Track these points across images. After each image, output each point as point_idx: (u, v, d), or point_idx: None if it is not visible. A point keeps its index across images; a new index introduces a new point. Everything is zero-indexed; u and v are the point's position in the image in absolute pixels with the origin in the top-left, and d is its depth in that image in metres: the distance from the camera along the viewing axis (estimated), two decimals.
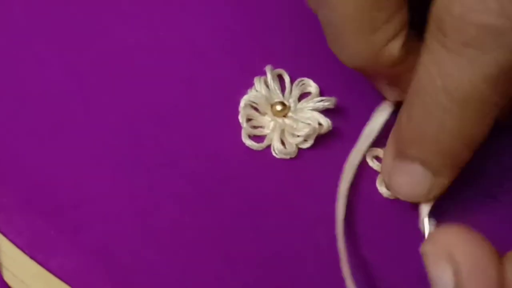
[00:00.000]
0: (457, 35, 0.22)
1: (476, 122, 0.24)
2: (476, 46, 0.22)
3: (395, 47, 0.25)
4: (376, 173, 0.30)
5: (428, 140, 0.25)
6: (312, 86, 0.30)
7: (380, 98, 0.30)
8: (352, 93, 0.31)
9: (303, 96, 0.31)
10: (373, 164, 0.30)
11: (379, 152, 0.30)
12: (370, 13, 0.24)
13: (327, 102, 0.30)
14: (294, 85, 0.31)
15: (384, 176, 0.28)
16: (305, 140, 0.30)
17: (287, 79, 0.31)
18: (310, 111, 0.30)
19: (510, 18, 0.22)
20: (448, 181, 0.26)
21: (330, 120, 0.30)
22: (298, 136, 0.30)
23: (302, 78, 0.30)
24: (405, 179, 0.26)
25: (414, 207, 0.28)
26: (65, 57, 0.31)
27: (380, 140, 0.30)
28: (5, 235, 0.28)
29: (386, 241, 0.29)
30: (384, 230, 0.29)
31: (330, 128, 0.29)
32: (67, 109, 0.30)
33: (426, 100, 0.24)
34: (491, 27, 0.22)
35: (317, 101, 0.30)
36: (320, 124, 0.29)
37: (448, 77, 0.23)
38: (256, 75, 0.31)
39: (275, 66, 0.31)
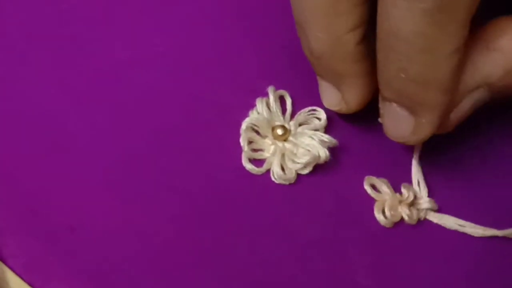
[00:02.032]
0: None
1: (426, 63, 0.25)
2: None
3: (351, 39, 0.26)
4: (371, 200, 0.30)
5: (390, 82, 0.26)
6: (321, 119, 0.30)
7: (380, 130, 0.30)
8: (353, 122, 0.31)
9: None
10: (370, 191, 0.30)
11: (376, 181, 0.30)
12: (332, 1, 0.26)
13: (327, 140, 0.30)
14: (302, 111, 0.30)
15: (380, 120, 0.29)
16: (304, 167, 0.30)
17: (288, 100, 0.31)
18: (310, 138, 0.30)
19: None
20: (429, 122, 0.27)
21: (330, 148, 0.30)
22: (298, 163, 0.30)
23: (315, 108, 0.30)
24: (390, 120, 0.28)
25: (413, 234, 0.29)
26: (62, 76, 0.30)
27: (376, 169, 0.30)
28: (2, 259, 0.27)
29: (381, 267, 0.29)
30: (380, 257, 0.29)
31: (328, 159, 0.30)
32: (63, 130, 0.29)
33: (381, 45, 0.25)
34: None
35: (319, 135, 0.30)
36: (319, 154, 0.29)
37: (390, 19, 0.24)
38: (257, 94, 0.30)
39: (277, 86, 0.31)
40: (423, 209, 0.30)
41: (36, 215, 0.28)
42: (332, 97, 0.29)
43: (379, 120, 0.29)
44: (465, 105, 0.27)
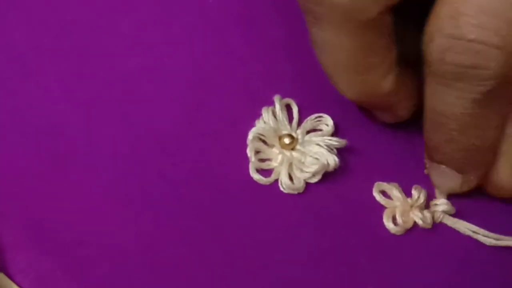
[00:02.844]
0: (439, 71, 0.25)
1: (475, 136, 0.26)
2: (456, 79, 0.25)
3: (387, 83, 0.27)
4: (382, 207, 0.30)
5: (439, 149, 0.28)
6: (328, 125, 0.30)
7: (389, 133, 0.30)
8: (361, 127, 0.30)
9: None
10: (380, 198, 0.30)
11: (386, 186, 0.30)
12: (363, 60, 0.27)
13: (337, 143, 0.29)
14: (309, 119, 0.30)
15: (427, 172, 0.30)
16: (313, 175, 0.29)
17: (295, 109, 0.30)
18: (318, 146, 0.29)
19: (478, 53, 0.24)
20: (477, 177, 0.29)
21: (339, 154, 0.29)
22: (307, 172, 0.29)
23: (321, 115, 0.30)
24: (438, 177, 0.29)
25: (424, 241, 0.29)
26: (68, 87, 0.30)
27: (387, 174, 0.30)
28: (10, 276, 0.27)
29: (392, 276, 0.29)
30: (391, 265, 0.29)
31: (337, 166, 0.29)
32: (70, 143, 0.29)
33: (431, 119, 0.27)
34: (466, 64, 0.24)
35: (327, 139, 0.29)
36: (327, 161, 0.29)
37: (441, 103, 0.26)
38: (263, 103, 0.30)
39: (283, 94, 0.30)
40: (439, 212, 0.29)
41: (43, 230, 0.28)
42: None
43: (425, 171, 0.30)
44: None
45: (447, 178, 0.29)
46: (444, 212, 0.29)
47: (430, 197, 0.30)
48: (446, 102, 0.26)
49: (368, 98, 0.28)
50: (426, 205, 0.30)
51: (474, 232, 0.29)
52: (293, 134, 0.30)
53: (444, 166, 0.28)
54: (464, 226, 0.29)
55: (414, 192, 0.29)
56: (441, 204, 0.29)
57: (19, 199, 0.28)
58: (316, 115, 0.30)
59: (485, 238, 0.29)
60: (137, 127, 0.30)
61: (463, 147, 0.27)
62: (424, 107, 0.27)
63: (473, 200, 0.30)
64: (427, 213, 0.29)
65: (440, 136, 0.27)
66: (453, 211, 0.29)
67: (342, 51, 0.26)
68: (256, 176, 0.29)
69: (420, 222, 0.29)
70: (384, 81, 0.27)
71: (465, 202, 0.30)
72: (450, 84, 0.25)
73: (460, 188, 0.29)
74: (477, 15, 0.24)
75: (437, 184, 0.29)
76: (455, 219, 0.29)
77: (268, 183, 0.30)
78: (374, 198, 0.30)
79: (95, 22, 0.31)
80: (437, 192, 0.30)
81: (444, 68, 0.25)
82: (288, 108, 0.31)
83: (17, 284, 0.27)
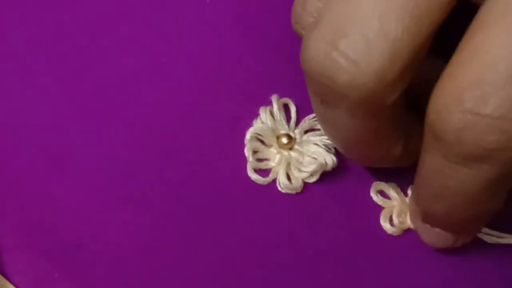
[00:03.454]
0: (454, 150, 0.21)
1: (485, 208, 0.24)
2: (476, 160, 0.21)
3: (397, 150, 0.26)
4: (380, 208, 0.30)
5: (439, 219, 0.26)
6: None
7: None
8: None
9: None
10: (377, 198, 0.30)
11: (384, 186, 0.30)
12: (374, 137, 0.25)
13: None
14: (307, 118, 0.30)
15: (415, 228, 0.29)
16: (311, 175, 0.29)
17: (293, 108, 0.30)
18: (316, 145, 0.29)
19: (505, 133, 0.20)
20: (472, 236, 0.28)
21: (337, 154, 0.29)
22: (305, 171, 0.29)
23: None
24: (432, 237, 0.28)
25: (419, 244, 0.28)
26: (66, 88, 0.30)
27: (384, 174, 0.30)
28: (8, 277, 0.27)
29: (390, 276, 0.29)
30: (388, 267, 0.29)
31: (335, 166, 0.29)
32: (68, 144, 0.29)
33: (431, 189, 0.24)
34: (491, 147, 0.20)
35: (325, 139, 0.29)
36: (325, 161, 0.29)
37: (448, 179, 0.23)
38: (261, 103, 0.30)
39: (281, 94, 0.30)
40: None
41: (41, 231, 0.28)
42: None
43: (411, 225, 0.29)
44: None
45: (439, 238, 0.27)
46: None
47: None
48: (456, 179, 0.22)
49: (379, 164, 0.28)
50: None
51: None
52: (291, 134, 0.30)
53: (438, 230, 0.27)
54: None
55: (410, 192, 0.29)
56: None
57: (17, 200, 0.28)
58: (314, 114, 0.30)
59: (487, 236, 0.29)
60: (135, 128, 0.30)
61: (466, 217, 0.25)
62: (420, 173, 0.25)
63: None
64: None
65: (440, 207, 0.25)
66: None
67: (354, 131, 0.24)
68: (254, 176, 0.29)
69: (412, 226, 0.29)
70: (395, 149, 0.26)
71: None
72: (466, 164, 0.22)
73: (454, 244, 0.27)
74: (506, 85, 0.20)
75: (427, 242, 0.28)
76: None
77: (266, 183, 0.29)
78: (371, 198, 0.30)
79: (94, 23, 0.31)
80: None
81: (460, 149, 0.21)
82: (286, 107, 0.30)
83: (15, 285, 0.27)
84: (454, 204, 0.24)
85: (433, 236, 0.27)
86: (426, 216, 0.27)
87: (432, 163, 0.23)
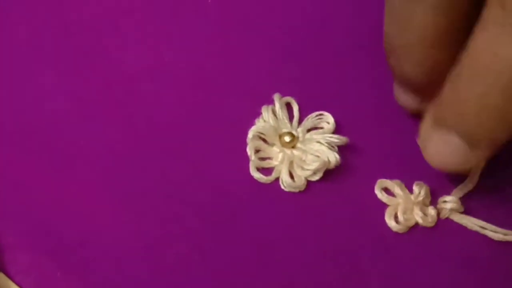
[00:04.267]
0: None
1: None
2: None
3: (443, 63, 0.26)
4: (384, 205, 0.29)
5: (469, 114, 0.24)
6: (329, 123, 0.30)
7: (389, 131, 0.30)
8: (362, 124, 0.30)
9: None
10: (382, 196, 0.29)
11: (389, 183, 0.29)
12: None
13: (337, 140, 0.29)
14: (309, 117, 0.30)
15: (420, 144, 0.28)
16: (314, 173, 0.29)
17: (295, 107, 0.30)
18: (319, 143, 0.29)
19: None
20: (482, 158, 0.26)
21: (340, 152, 0.29)
22: (307, 169, 0.29)
23: (322, 112, 0.30)
24: (440, 148, 0.26)
25: (428, 239, 0.28)
26: (71, 88, 0.30)
27: (389, 171, 0.29)
28: (11, 276, 0.27)
29: (395, 274, 0.29)
30: (393, 264, 0.29)
31: (339, 164, 0.29)
32: (72, 144, 0.29)
33: (474, 75, 0.24)
34: None
35: (328, 137, 0.29)
36: (328, 159, 0.29)
37: (499, 57, 0.23)
38: (263, 101, 0.30)
39: (283, 93, 0.30)
40: (447, 210, 0.29)
41: (44, 230, 0.28)
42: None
43: (419, 142, 0.28)
44: None
45: (448, 151, 0.26)
46: (452, 210, 0.29)
47: (433, 193, 0.29)
48: (502, 53, 0.22)
49: (428, 78, 0.27)
50: (432, 202, 0.29)
51: (481, 227, 0.29)
52: (294, 132, 0.30)
53: (454, 135, 0.26)
54: (471, 222, 0.29)
55: (415, 188, 0.29)
56: (450, 201, 0.29)
57: (19, 199, 0.28)
58: (317, 113, 0.30)
59: (493, 233, 0.28)
60: (137, 127, 0.30)
61: (498, 118, 0.24)
62: (463, 58, 0.24)
63: (478, 196, 0.29)
64: (431, 210, 0.29)
65: (474, 98, 0.24)
66: (461, 209, 0.29)
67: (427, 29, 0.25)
68: (256, 175, 0.29)
69: (420, 221, 0.29)
70: (443, 60, 0.26)
71: (470, 198, 0.29)
72: None
73: (462, 164, 0.26)
74: None
75: (432, 156, 0.27)
76: (462, 215, 0.29)
77: (268, 182, 0.29)
78: (376, 195, 0.29)
79: (96, 22, 0.32)
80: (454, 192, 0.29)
81: None
82: (288, 106, 0.30)
83: (17, 285, 0.27)
84: (493, 94, 0.23)
85: (444, 147, 0.26)
86: (452, 114, 0.25)
87: (483, 34, 0.23)
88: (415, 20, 0.25)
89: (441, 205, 0.29)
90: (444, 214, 0.29)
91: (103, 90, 0.30)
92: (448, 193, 0.29)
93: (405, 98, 0.29)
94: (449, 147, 0.26)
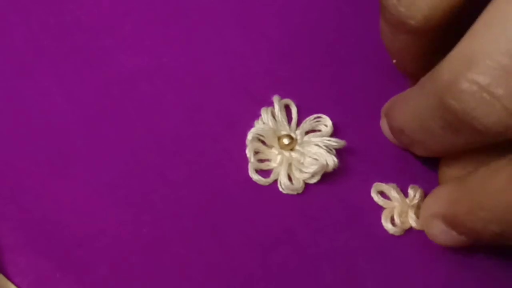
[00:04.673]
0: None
1: None
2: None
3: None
4: (380, 208, 0.30)
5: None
6: (327, 126, 0.30)
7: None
8: (360, 127, 0.30)
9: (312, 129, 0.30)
10: (378, 199, 0.30)
11: (384, 187, 0.30)
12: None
13: (336, 143, 0.29)
14: (308, 119, 0.30)
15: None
16: (312, 176, 0.30)
17: (294, 109, 0.30)
18: (317, 146, 0.29)
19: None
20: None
21: (337, 155, 0.29)
22: (306, 172, 0.29)
23: (320, 115, 0.30)
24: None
25: (424, 242, 0.29)
26: (68, 88, 0.30)
27: (385, 175, 0.30)
28: (9, 277, 0.27)
29: (391, 276, 0.29)
30: (389, 267, 0.29)
31: (336, 167, 0.29)
32: (70, 144, 0.29)
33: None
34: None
35: (326, 140, 0.29)
36: (327, 162, 0.29)
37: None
38: (262, 103, 0.30)
39: (282, 95, 0.30)
40: None
41: (43, 231, 0.28)
42: None
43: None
44: None
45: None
46: None
47: None
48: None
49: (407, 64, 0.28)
50: None
51: None
52: (292, 135, 0.30)
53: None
54: None
55: (411, 192, 0.29)
56: None
57: (18, 200, 0.28)
58: (315, 115, 0.30)
59: None
60: (136, 127, 0.30)
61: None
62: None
63: None
64: None
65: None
66: None
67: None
68: (255, 177, 0.29)
69: (413, 224, 0.29)
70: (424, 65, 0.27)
71: None
72: None
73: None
74: None
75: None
76: None
77: (267, 184, 0.29)
78: (372, 198, 0.30)
79: (95, 23, 0.31)
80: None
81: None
82: (287, 108, 0.31)
83: (16, 286, 0.27)
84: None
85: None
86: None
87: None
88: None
89: None
90: None
91: (102, 91, 0.30)
92: None
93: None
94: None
